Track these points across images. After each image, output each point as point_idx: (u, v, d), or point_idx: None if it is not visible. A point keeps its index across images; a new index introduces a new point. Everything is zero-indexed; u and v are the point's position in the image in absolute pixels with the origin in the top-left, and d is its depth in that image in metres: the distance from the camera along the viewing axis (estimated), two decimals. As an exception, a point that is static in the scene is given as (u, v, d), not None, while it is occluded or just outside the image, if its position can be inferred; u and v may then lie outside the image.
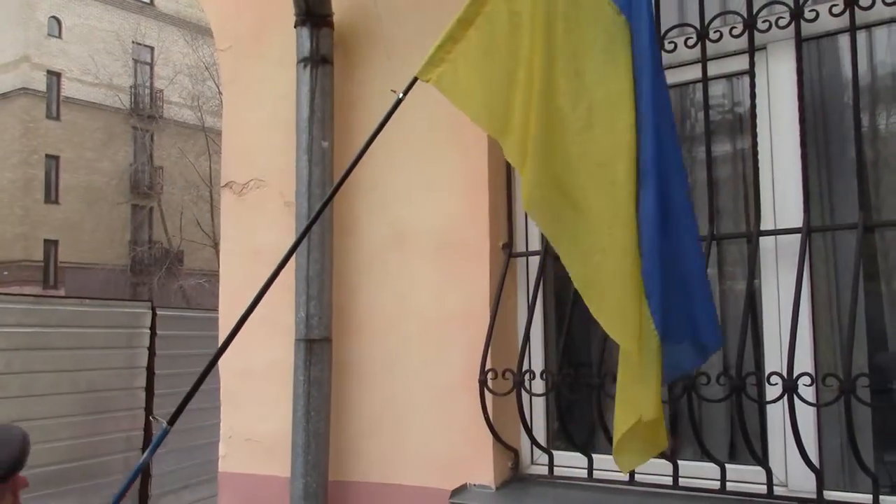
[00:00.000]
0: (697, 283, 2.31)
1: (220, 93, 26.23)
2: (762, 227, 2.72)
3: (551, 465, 3.06)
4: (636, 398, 2.21)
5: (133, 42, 31.86)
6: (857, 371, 2.46)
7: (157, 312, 7.66)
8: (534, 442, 3.06)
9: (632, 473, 2.85)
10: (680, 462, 2.79)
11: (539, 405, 3.17)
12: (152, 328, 7.58)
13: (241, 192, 3.73)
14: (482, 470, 3.05)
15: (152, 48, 32.63)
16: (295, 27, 3.42)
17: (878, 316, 2.70)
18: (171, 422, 2.37)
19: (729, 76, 2.96)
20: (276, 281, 3.49)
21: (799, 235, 2.61)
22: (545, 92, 2.31)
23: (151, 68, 32.63)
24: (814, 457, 2.54)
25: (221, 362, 3.73)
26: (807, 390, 2.48)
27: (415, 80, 2.42)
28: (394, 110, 2.49)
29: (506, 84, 2.36)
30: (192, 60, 31.45)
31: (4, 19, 30.73)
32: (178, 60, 31.84)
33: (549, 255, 3.07)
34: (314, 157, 3.35)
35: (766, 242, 2.74)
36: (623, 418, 2.23)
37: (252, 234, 3.70)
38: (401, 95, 2.46)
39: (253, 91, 3.77)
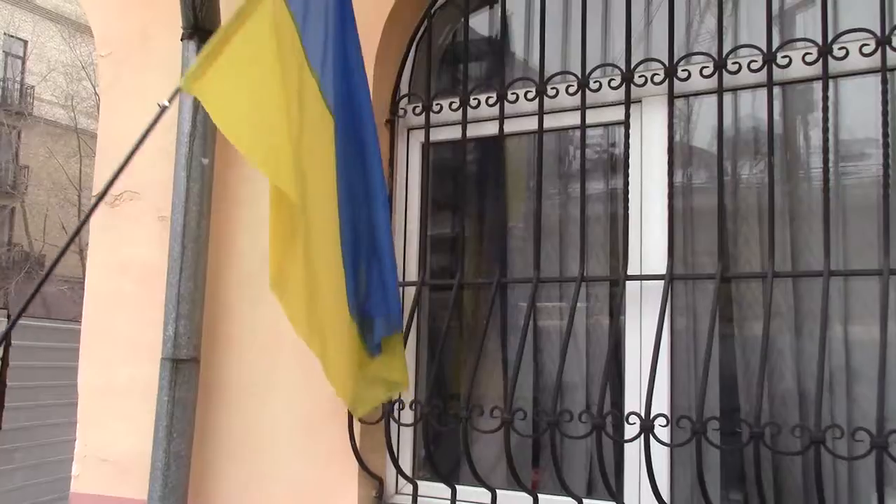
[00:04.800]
0: (388, 255, 2.68)
1: (96, 94, 25.28)
2: (629, 272, 2.84)
3: (415, 494, 3.08)
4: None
5: (5, 34, 30.29)
6: (710, 414, 2.60)
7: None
8: (399, 471, 3.08)
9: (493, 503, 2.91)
10: (540, 495, 2.86)
11: (407, 435, 3.18)
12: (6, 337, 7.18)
13: (113, 203, 3.62)
14: (346, 498, 3.04)
15: (26, 42, 31.08)
16: (182, 40, 3.35)
17: (731, 361, 2.85)
18: None
19: (606, 125, 3.09)
20: (144, 298, 3.42)
21: (662, 282, 2.74)
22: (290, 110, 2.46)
23: (23, 62, 31.05)
24: (666, 494, 2.65)
25: (80, 377, 3.60)
26: (662, 431, 2.59)
27: (178, 90, 2.36)
28: (157, 120, 2.36)
29: (262, 99, 2.41)
30: (69, 58, 30.12)
31: None
32: (54, 57, 30.43)
33: (424, 287, 3.11)
34: (193, 174, 3.28)
35: (631, 286, 2.85)
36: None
37: (122, 247, 3.59)
38: (166, 103, 2.35)
39: (133, 101, 3.66)
